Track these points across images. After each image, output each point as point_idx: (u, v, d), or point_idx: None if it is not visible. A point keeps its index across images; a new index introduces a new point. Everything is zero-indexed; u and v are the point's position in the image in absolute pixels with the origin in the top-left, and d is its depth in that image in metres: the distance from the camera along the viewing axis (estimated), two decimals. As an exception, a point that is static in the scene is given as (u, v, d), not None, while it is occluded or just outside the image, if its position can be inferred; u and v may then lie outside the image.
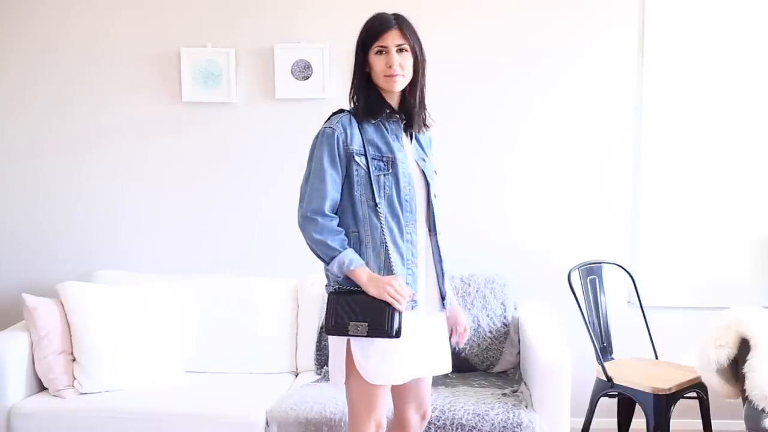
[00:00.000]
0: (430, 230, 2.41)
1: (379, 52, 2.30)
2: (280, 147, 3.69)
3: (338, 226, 2.29)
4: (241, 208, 3.73)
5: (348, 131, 2.31)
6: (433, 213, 2.40)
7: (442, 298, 2.43)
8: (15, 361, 3.08)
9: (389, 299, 2.22)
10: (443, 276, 2.43)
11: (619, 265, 3.50)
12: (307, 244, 2.30)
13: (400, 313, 2.22)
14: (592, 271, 3.41)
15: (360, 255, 2.28)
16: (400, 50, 2.29)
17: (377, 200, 2.28)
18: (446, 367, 2.47)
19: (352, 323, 2.23)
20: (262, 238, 3.72)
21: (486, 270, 3.49)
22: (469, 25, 3.61)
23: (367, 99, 2.34)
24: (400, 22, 2.31)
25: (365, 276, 2.25)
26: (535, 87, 3.63)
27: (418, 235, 2.35)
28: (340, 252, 2.25)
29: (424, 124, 2.42)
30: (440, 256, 2.41)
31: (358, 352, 2.27)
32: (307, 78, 3.62)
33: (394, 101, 2.36)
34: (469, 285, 3.42)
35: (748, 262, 3.64)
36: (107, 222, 3.76)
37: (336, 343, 2.33)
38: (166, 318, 3.34)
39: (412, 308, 2.31)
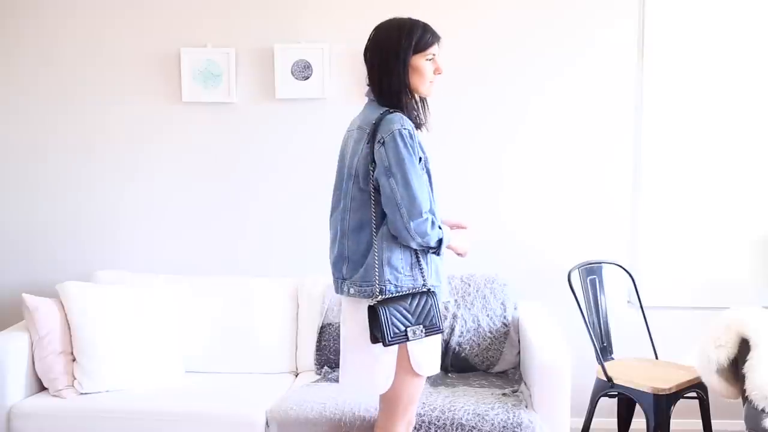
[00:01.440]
0: None
1: (429, 59, 2.38)
2: (280, 147, 3.69)
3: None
4: (241, 207, 3.73)
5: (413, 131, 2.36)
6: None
7: None
8: (15, 361, 3.08)
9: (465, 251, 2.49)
10: None
11: (619, 265, 3.50)
12: (416, 244, 2.31)
13: (438, 308, 2.34)
14: (592, 271, 3.41)
15: (401, 252, 2.34)
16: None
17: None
18: None
19: (409, 329, 2.28)
20: (263, 238, 3.72)
21: (486, 270, 3.49)
22: (469, 25, 3.61)
23: (419, 105, 2.42)
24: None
25: (455, 243, 2.45)
26: (535, 87, 3.63)
27: None
28: (443, 233, 2.35)
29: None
30: None
31: (416, 349, 2.34)
32: (307, 78, 3.62)
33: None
34: (469, 285, 3.42)
35: (748, 262, 3.64)
36: (107, 222, 3.76)
37: (377, 351, 2.33)
38: (166, 318, 3.34)
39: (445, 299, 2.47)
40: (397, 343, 2.28)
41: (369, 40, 2.42)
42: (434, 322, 2.31)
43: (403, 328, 2.27)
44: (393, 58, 2.34)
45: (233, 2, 3.65)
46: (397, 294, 2.31)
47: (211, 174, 3.72)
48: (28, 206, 3.77)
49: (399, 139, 2.27)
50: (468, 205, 3.65)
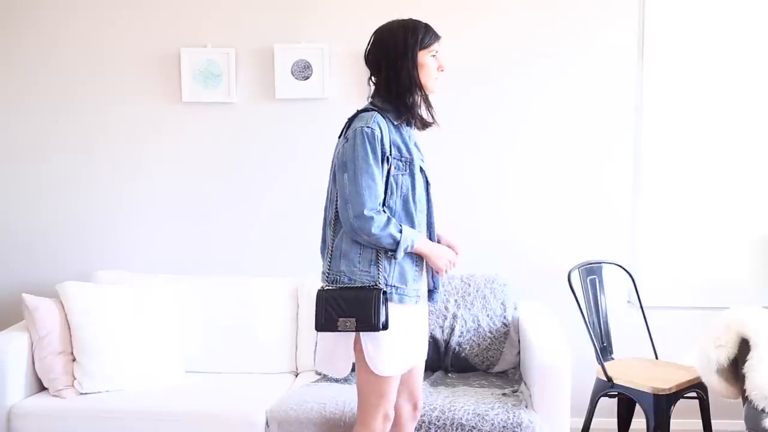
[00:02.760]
0: (428, 227, 2.51)
1: (433, 56, 2.43)
2: (280, 147, 3.69)
3: None
4: (242, 207, 3.73)
5: (383, 131, 2.36)
6: (432, 211, 2.51)
7: (431, 291, 2.56)
8: (15, 361, 3.08)
9: (444, 270, 2.44)
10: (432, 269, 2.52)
11: (619, 265, 3.50)
12: (364, 240, 2.33)
13: (386, 306, 2.30)
14: (592, 271, 3.41)
15: (361, 248, 2.36)
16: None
17: (394, 199, 2.36)
18: (425, 352, 2.59)
19: (341, 319, 2.30)
20: (262, 238, 3.72)
21: (486, 270, 3.49)
22: (470, 25, 3.61)
23: (425, 102, 2.43)
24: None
25: (427, 248, 2.41)
26: (535, 87, 3.63)
27: (422, 232, 2.46)
28: (401, 237, 2.32)
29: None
30: None
31: (369, 345, 2.34)
32: (307, 78, 3.62)
33: None
34: (469, 285, 3.42)
35: (748, 262, 3.64)
36: (107, 222, 3.76)
37: (338, 336, 2.38)
38: (166, 318, 3.34)
39: (416, 303, 2.41)
40: (327, 330, 2.32)
41: (371, 43, 2.44)
42: (368, 316, 2.27)
43: (335, 317, 2.30)
44: (402, 56, 2.37)
45: (233, 2, 3.65)
46: (349, 285, 2.33)
47: (211, 174, 3.72)
48: (28, 206, 3.77)
49: (360, 137, 2.32)
50: (469, 205, 3.65)
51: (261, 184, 3.71)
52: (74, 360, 3.15)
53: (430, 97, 2.46)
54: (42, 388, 3.17)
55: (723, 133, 3.60)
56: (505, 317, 3.37)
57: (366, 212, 2.29)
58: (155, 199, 3.74)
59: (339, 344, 2.40)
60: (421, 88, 2.40)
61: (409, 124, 2.44)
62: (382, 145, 2.33)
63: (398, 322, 2.35)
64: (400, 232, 2.32)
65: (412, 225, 2.39)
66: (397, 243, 2.31)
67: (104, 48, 3.69)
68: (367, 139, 2.32)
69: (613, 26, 3.59)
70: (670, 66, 3.58)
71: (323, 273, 2.40)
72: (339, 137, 2.45)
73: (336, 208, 2.39)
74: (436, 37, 2.43)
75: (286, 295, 3.49)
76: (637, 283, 3.49)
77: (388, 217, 2.33)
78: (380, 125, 2.35)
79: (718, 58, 3.57)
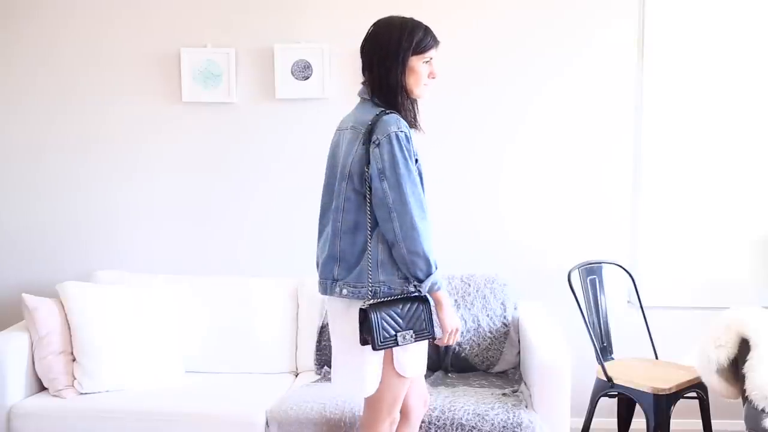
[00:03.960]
0: None
1: (426, 62, 2.37)
2: (280, 147, 3.69)
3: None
4: (242, 207, 3.73)
5: (410, 132, 2.34)
6: None
7: None
8: (15, 361, 3.08)
9: (449, 339, 2.38)
10: None
11: (619, 265, 3.50)
12: (403, 255, 2.27)
13: (429, 313, 2.31)
14: (592, 271, 3.41)
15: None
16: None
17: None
18: None
19: (399, 334, 2.28)
20: (262, 238, 3.72)
21: (486, 270, 3.49)
22: (467, 25, 3.61)
23: (413, 106, 2.40)
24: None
25: (446, 302, 2.37)
26: (535, 87, 3.63)
27: None
28: (434, 271, 2.30)
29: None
30: None
31: (401, 351, 2.33)
32: (307, 78, 3.62)
33: None
34: (469, 285, 3.42)
35: (748, 262, 3.64)
36: (107, 222, 3.76)
37: (366, 353, 2.33)
38: (166, 318, 3.34)
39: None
40: (387, 347, 2.28)
41: (368, 34, 2.39)
42: (424, 326, 2.30)
43: (393, 333, 2.27)
44: (392, 57, 2.32)
45: (233, 2, 3.65)
46: (390, 297, 2.30)
47: (211, 174, 3.72)
48: (28, 206, 3.77)
49: (395, 142, 2.27)
50: (469, 205, 3.65)
51: (261, 184, 3.71)
52: (74, 360, 3.15)
53: (420, 103, 2.42)
54: (42, 388, 3.17)
55: (723, 133, 3.60)
56: (505, 317, 3.37)
57: (417, 222, 2.25)
58: (155, 199, 3.74)
59: (370, 359, 2.34)
60: (406, 92, 2.36)
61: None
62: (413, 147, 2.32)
63: None
64: (436, 268, 2.30)
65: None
66: (429, 275, 2.28)
67: (104, 48, 3.69)
68: (403, 144, 2.27)
69: (611, 26, 3.59)
70: (670, 66, 3.58)
71: (353, 286, 2.33)
72: (356, 141, 2.34)
73: (368, 215, 2.31)
74: (433, 43, 2.37)
75: (286, 295, 3.49)
76: (637, 283, 3.49)
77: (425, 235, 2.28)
78: (408, 127, 2.33)
79: (718, 58, 3.57)
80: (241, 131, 3.70)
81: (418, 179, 2.31)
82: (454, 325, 2.38)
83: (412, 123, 2.39)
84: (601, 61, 3.61)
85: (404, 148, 2.27)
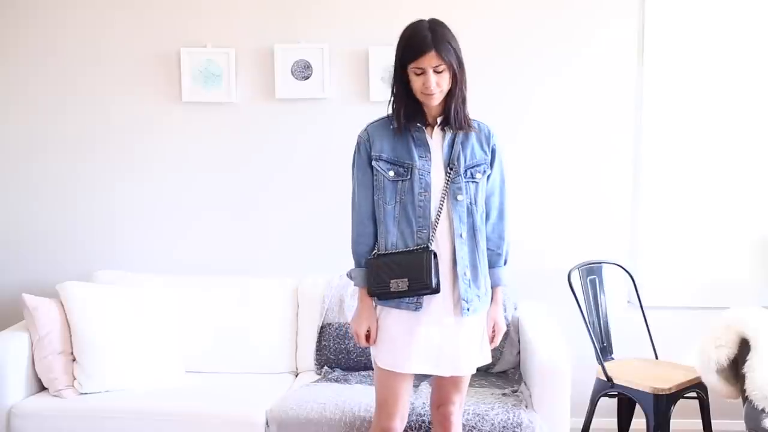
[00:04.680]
0: (453, 235, 2.38)
1: (417, 73, 2.30)
2: (280, 147, 3.69)
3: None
4: (241, 208, 3.73)
5: (373, 136, 2.40)
6: (455, 217, 2.38)
7: (468, 302, 2.39)
8: (15, 361, 3.08)
9: (353, 334, 2.45)
10: (473, 281, 2.40)
11: (619, 265, 3.50)
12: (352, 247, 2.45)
13: (437, 269, 2.30)
14: (592, 271, 3.41)
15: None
16: (437, 71, 2.29)
17: (392, 205, 2.36)
18: (466, 369, 2.45)
19: (393, 281, 2.31)
20: (262, 238, 3.72)
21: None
22: (465, 25, 3.58)
23: (406, 107, 2.38)
24: (437, 43, 2.27)
25: (359, 300, 2.44)
26: (533, 87, 3.63)
27: (437, 239, 2.36)
28: (356, 268, 2.43)
29: (468, 126, 2.42)
30: (470, 262, 2.40)
31: (377, 341, 2.41)
32: (307, 78, 3.62)
33: (434, 108, 2.39)
34: (469, 285, 3.41)
35: (748, 262, 3.64)
36: (107, 222, 3.76)
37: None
38: (166, 318, 3.34)
39: (416, 309, 2.35)
40: (381, 293, 2.33)
41: None
42: (422, 276, 2.28)
43: (387, 279, 2.32)
44: (396, 65, 2.38)
45: (233, 2, 3.65)
46: (396, 250, 2.36)
47: (211, 174, 3.72)
48: (28, 206, 3.77)
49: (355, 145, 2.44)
50: (468, 205, 3.65)
51: (261, 183, 3.71)
52: (74, 360, 3.14)
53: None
54: (42, 388, 3.17)
55: (723, 133, 3.60)
56: (505, 317, 3.36)
57: (353, 220, 2.48)
58: (155, 199, 3.74)
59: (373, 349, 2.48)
60: (410, 95, 2.35)
61: (408, 129, 2.43)
62: (368, 150, 2.42)
63: (391, 323, 2.39)
64: (359, 266, 2.46)
65: (411, 232, 2.38)
66: (351, 273, 2.48)
67: (104, 48, 3.69)
68: (355, 147, 2.45)
69: (610, 26, 3.59)
70: (669, 65, 3.58)
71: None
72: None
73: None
74: (414, 54, 2.27)
75: (286, 295, 3.49)
76: (637, 283, 3.49)
77: (368, 241, 2.45)
78: (371, 131, 2.44)
79: (719, 58, 3.57)
80: (241, 131, 3.69)
81: (366, 182, 2.40)
82: (351, 326, 2.45)
83: (408, 122, 2.37)
84: (600, 60, 3.61)
85: (354, 154, 2.44)
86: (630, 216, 3.66)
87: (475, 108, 3.59)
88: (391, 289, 2.31)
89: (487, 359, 2.51)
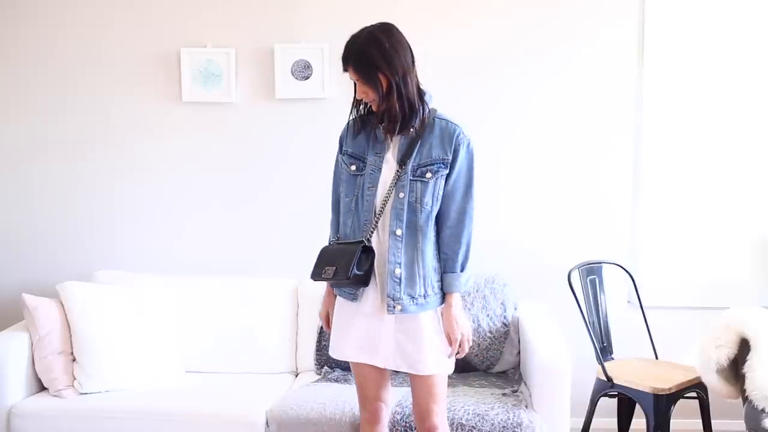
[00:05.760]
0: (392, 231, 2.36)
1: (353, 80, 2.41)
2: (281, 147, 3.69)
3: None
4: (241, 207, 3.73)
5: (348, 130, 2.50)
6: (393, 214, 2.36)
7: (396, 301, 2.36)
8: (15, 361, 3.08)
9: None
10: (407, 281, 2.36)
11: (619, 265, 3.50)
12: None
13: (371, 260, 2.34)
14: (592, 271, 3.41)
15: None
16: (360, 82, 2.36)
17: (349, 198, 2.43)
18: (416, 368, 2.38)
19: (326, 268, 2.37)
20: (262, 238, 3.72)
21: (486, 270, 3.48)
22: (464, 25, 3.61)
23: (366, 106, 2.47)
24: (351, 60, 2.34)
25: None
26: (533, 87, 3.63)
27: (380, 235, 2.38)
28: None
29: (413, 127, 2.38)
30: (405, 261, 2.36)
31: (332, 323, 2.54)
32: (307, 78, 3.62)
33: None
34: (469, 285, 3.42)
35: (748, 262, 3.64)
36: (107, 222, 3.76)
37: None
38: (166, 318, 3.34)
39: (353, 300, 2.42)
40: (315, 276, 2.40)
41: None
42: (346, 267, 2.30)
43: (322, 265, 2.40)
44: None
45: (233, 2, 3.65)
46: (348, 240, 2.43)
47: (211, 174, 3.72)
48: (28, 206, 3.77)
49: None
50: (468, 205, 3.65)
51: (261, 183, 3.71)
52: (74, 360, 3.15)
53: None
54: (42, 388, 3.17)
55: (723, 133, 3.60)
56: (505, 317, 3.37)
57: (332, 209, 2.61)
58: (155, 199, 3.74)
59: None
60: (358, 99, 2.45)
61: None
62: (340, 143, 2.54)
63: (338, 309, 2.49)
64: (331, 243, 2.56)
65: (359, 225, 2.43)
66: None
67: (104, 48, 3.69)
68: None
69: (610, 26, 3.59)
70: (669, 65, 3.58)
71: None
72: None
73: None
74: (343, 68, 2.38)
75: (286, 295, 3.49)
76: (637, 283, 3.49)
77: (332, 225, 2.61)
78: (350, 124, 2.52)
79: (719, 58, 3.57)
80: (241, 131, 3.69)
81: (336, 174, 2.53)
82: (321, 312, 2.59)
83: (355, 128, 2.47)
84: (600, 60, 3.61)
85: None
86: (630, 216, 3.66)
87: (474, 108, 3.63)
88: (322, 276, 2.37)
89: (447, 368, 2.42)
